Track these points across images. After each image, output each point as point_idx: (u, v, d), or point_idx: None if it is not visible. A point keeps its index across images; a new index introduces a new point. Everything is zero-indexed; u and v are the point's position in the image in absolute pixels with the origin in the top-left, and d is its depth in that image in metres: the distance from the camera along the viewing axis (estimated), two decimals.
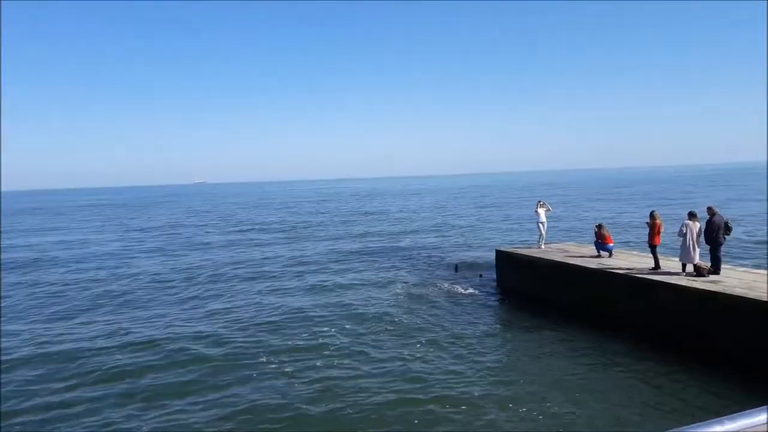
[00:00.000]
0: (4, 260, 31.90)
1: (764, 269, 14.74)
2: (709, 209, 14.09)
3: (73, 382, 12.21)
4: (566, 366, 12.23)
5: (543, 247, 19.56)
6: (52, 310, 19.07)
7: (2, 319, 17.98)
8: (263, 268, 26.97)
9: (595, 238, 17.80)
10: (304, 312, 17.81)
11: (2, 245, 40.37)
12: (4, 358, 13.91)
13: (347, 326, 15.90)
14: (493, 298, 18.69)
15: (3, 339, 15.54)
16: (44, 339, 15.50)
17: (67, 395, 11.48)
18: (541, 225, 19.85)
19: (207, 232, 46.03)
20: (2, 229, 56.00)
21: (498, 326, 15.72)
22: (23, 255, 34.27)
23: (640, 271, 14.81)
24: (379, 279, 22.78)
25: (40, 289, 22.82)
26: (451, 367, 12.35)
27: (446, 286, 20.52)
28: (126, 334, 15.75)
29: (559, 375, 11.75)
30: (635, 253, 18.51)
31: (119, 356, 13.80)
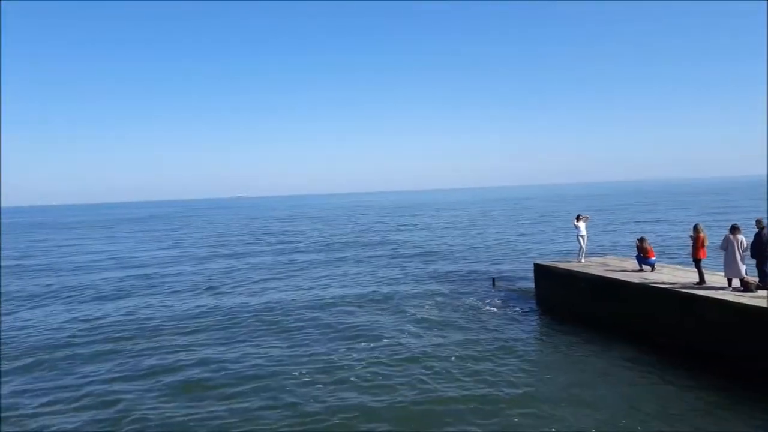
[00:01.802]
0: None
1: None
2: (758, 222, 13.73)
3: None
4: (606, 382, 12.08)
5: (583, 260, 19.36)
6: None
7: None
8: (298, 275, 27.44)
9: (636, 252, 17.56)
10: (339, 321, 18.10)
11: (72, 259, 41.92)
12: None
13: (383, 339, 16.01)
14: (531, 313, 18.54)
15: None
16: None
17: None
18: (581, 238, 19.67)
19: (249, 244, 46.88)
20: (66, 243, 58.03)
21: (536, 341, 15.60)
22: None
23: (684, 285, 14.53)
24: (414, 292, 22.83)
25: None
26: (488, 381, 12.32)
27: (483, 299, 20.45)
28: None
29: (598, 390, 11.62)
30: (678, 267, 18.16)
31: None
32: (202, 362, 14.49)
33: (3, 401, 12.30)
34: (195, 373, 13.73)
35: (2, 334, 18.35)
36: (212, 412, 11.29)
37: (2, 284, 29.66)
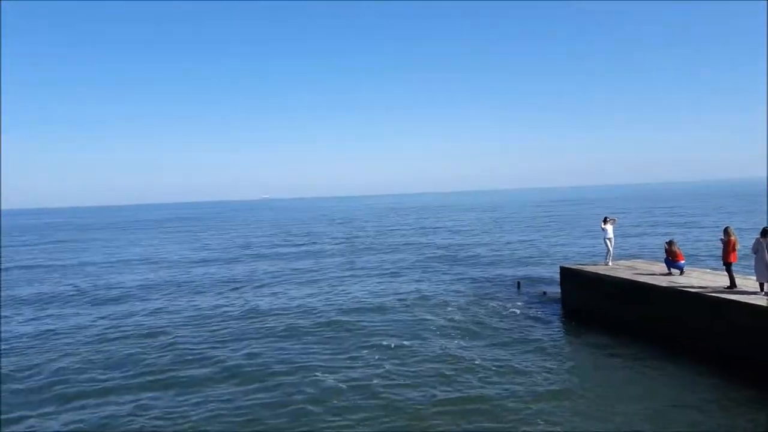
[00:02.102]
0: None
1: None
2: None
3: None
4: (634, 388, 11.87)
5: (610, 263, 19.15)
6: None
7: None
8: (321, 277, 27.75)
9: (665, 255, 17.33)
10: (362, 322, 18.25)
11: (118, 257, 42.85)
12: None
13: (405, 341, 16.00)
14: (557, 317, 18.40)
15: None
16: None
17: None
18: (608, 241, 19.46)
19: (276, 244, 47.31)
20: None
21: (562, 346, 15.40)
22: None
23: (714, 290, 14.27)
24: (438, 295, 22.75)
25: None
26: (511, 388, 12.13)
27: (508, 302, 20.34)
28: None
29: (622, 395, 11.46)
30: (708, 271, 17.87)
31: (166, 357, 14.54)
32: (227, 360, 14.70)
33: (26, 398, 12.66)
34: (217, 371, 13.93)
35: (32, 331, 18.90)
36: (236, 409, 11.46)
37: (36, 285, 30.46)
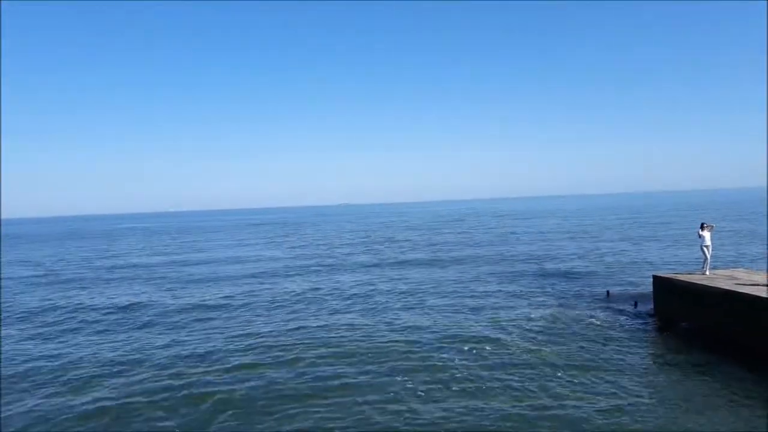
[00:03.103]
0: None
1: None
2: None
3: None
4: (735, 411, 11.23)
5: (708, 273, 18.33)
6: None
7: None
8: (400, 286, 27.97)
9: None
10: (441, 331, 18.27)
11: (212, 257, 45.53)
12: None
13: (486, 348, 16.04)
14: (649, 330, 17.72)
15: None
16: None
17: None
18: (705, 249, 18.63)
19: (359, 251, 48.30)
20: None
21: (655, 362, 14.73)
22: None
23: None
24: (522, 303, 22.42)
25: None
26: (599, 407, 11.58)
27: (595, 314, 19.80)
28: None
29: (727, 420, 10.84)
30: None
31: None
32: (304, 371, 15.26)
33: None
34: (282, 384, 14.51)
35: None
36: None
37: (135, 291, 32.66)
